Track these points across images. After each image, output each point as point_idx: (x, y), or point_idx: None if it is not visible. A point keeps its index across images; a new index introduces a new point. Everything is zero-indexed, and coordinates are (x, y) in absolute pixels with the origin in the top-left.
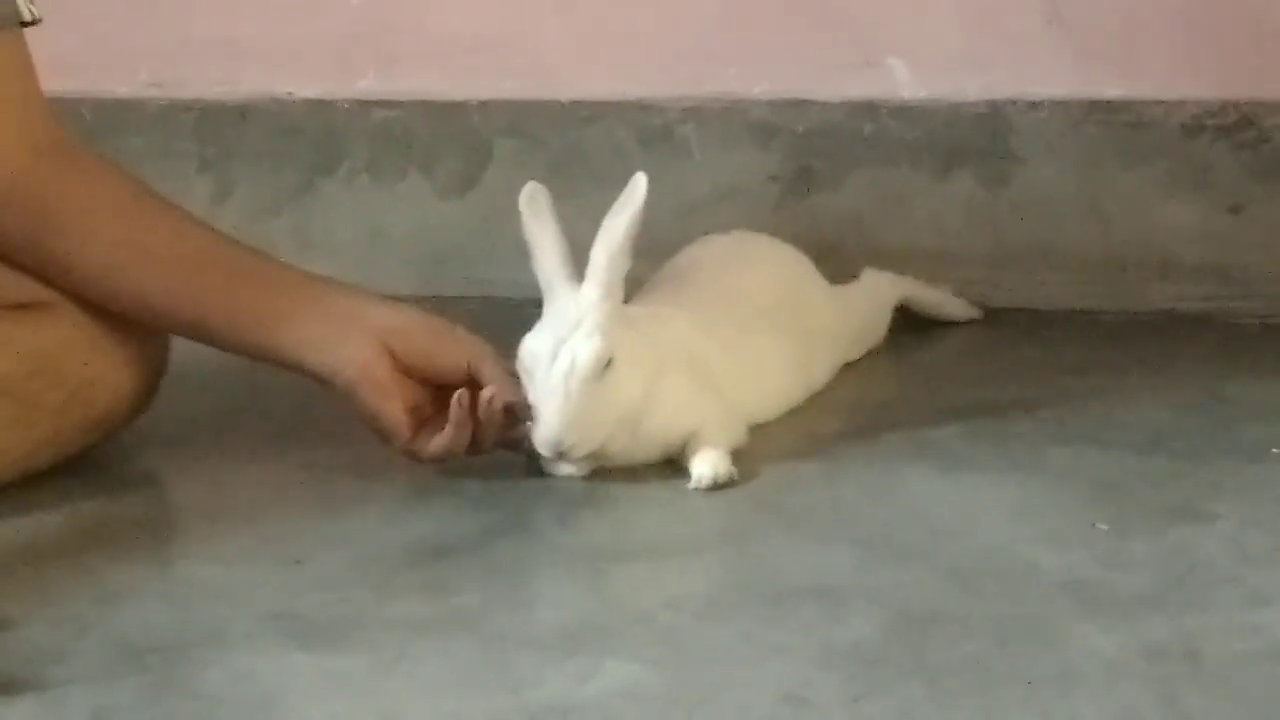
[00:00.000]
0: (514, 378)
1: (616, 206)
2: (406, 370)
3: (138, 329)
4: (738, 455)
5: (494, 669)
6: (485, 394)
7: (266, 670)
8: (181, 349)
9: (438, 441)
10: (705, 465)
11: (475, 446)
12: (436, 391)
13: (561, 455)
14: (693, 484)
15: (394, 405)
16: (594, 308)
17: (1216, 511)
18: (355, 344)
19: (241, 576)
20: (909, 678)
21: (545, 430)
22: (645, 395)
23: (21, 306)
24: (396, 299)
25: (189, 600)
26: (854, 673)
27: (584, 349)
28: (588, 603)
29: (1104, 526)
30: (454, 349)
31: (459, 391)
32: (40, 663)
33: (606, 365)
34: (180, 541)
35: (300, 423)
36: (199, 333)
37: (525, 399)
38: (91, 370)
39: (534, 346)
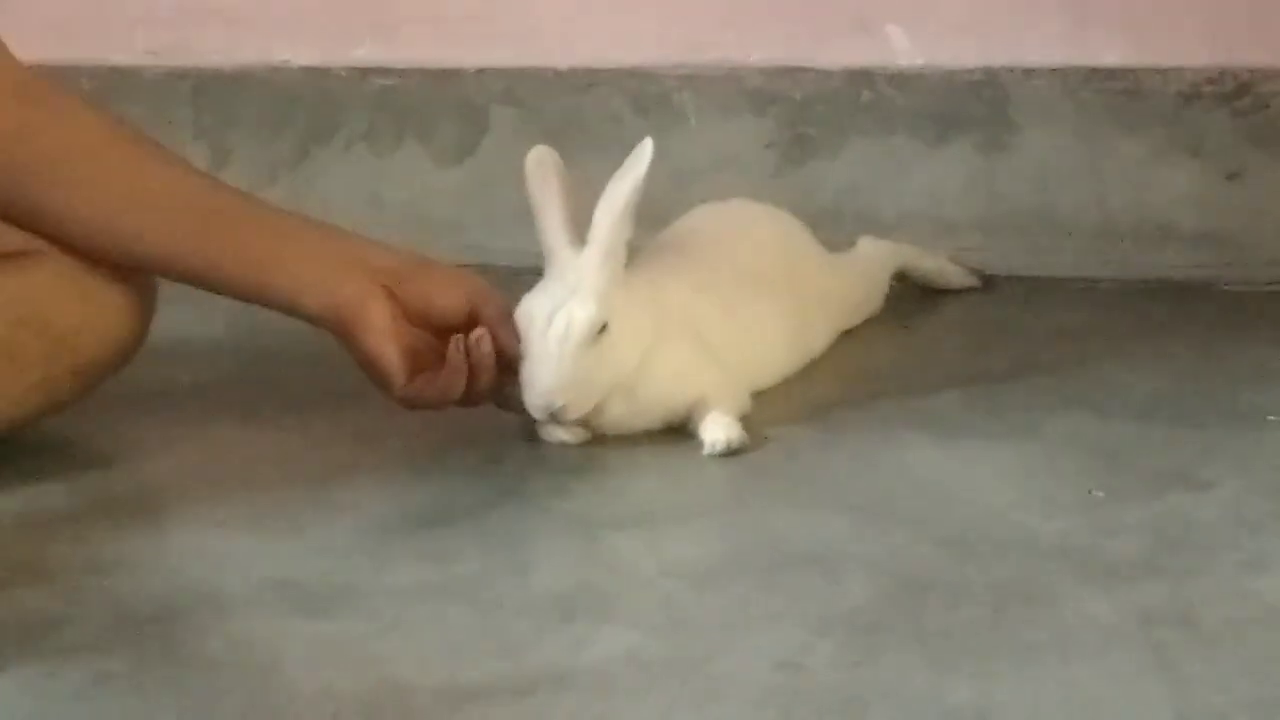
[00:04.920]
0: (513, 321)
1: (621, 171)
2: (406, 313)
3: (124, 273)
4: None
5: (492, 635)
6: (475, 334)
7: (265, 637)
8: (178, 317)
9: (434, 386)
10: (718, 430)
11: (469, 395)
12: (434, 336)
13: (553, 417)
14: (706, 450)
15: (392, 349)
16: (593, 272)
17: (1213, 478)
18: (354, 287)
19: (239, 544)
20: (905, 644)
21: (537, 393)
22: (642, 361)
23: (3, 256)
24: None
25: (187, 568)
26: (850, 639)
27: (579, 313)
28: (585, 570)
29: (1100, 493)
30: (454, 290)
31: (455, 336)
32: (38, 631)
33: (601, 330)
34: (178, 509)
35: (297, 390)
36: (193, 278)
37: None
38: (77, 317)
39: (530, 308)
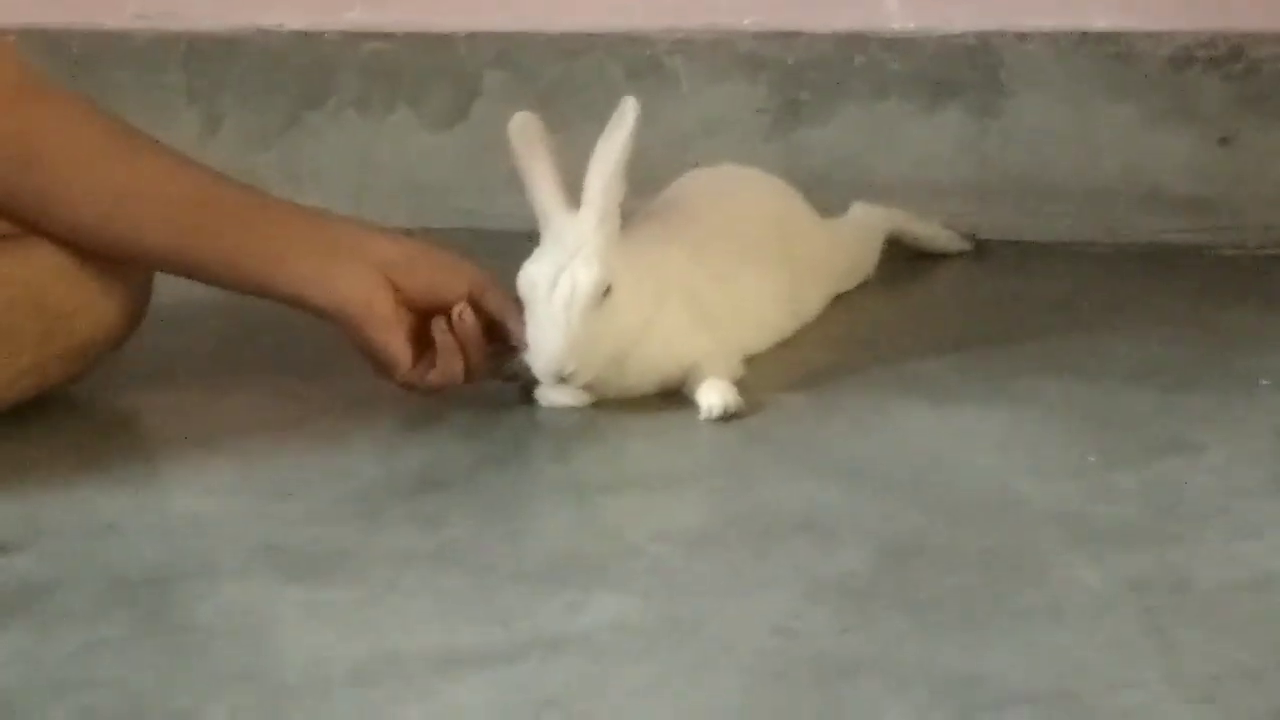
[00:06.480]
0: (517, 305)
1: (607, 131)
2: (408, 302)
3: None
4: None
5: (484, 601)
6: (455, 310)
7: (257, 603)
8: (170, 284)
9: (435, 372)
10: (715, 395)
11: (468, 373)
12: (434, 319)
13: (562, 382)
14: (703, 415)
15: (398, 339)
16: (592, 233)
17: (1205, 443)
18: (356, 279)
19: (232, 509)
20: (897, 609)
21: (546, 358)
22: (645, 323)
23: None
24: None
25: (179, 533)
26: (842, 605)
27: (584, 276)
28: (578, 535)
29: (1093, 458)
30: (456, 280)
31: (436, 318)
32: (31, 595)
33: (606, 292)
34: (170, 474)
35: (289, 355)
36: (195, 274)
37: (523, 327)
38: (72, 300)
39: (533, 274)
